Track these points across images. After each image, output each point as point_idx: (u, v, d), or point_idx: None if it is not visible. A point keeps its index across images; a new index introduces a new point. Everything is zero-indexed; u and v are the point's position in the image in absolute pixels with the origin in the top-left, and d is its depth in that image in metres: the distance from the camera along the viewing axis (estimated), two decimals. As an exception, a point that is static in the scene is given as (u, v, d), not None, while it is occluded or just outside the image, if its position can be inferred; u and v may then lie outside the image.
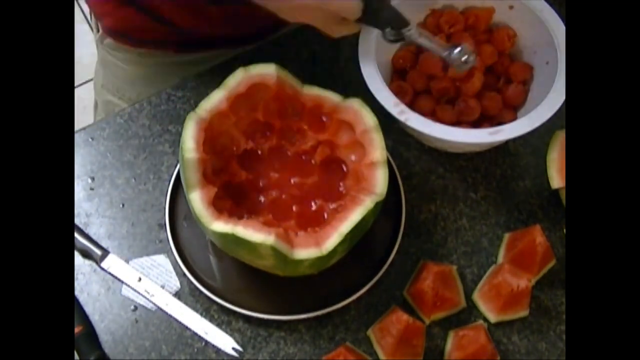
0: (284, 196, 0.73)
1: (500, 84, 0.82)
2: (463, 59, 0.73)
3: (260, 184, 0.74)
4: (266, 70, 0.72)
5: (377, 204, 0.67)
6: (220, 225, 0.65)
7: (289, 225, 0.70)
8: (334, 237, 0.66)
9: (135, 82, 0.99)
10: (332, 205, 0.72)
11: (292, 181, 0.74)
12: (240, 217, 0.68)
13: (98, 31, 0.97)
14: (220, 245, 0.69)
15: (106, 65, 1.02)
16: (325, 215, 0.71)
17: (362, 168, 0.71)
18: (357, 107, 0.72)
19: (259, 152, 0.75)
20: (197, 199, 0.67)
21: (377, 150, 0.70)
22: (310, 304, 0.73)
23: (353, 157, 0.73)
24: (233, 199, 0.71)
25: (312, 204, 0.73)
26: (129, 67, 0.98)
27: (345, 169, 0.74)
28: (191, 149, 0.67)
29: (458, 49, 0.73)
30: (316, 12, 0.67)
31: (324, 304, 0.73)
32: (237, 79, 0.71)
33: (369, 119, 0.71)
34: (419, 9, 0.85)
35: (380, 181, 0.69)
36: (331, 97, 0.73)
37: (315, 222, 0.70)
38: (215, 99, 0.71)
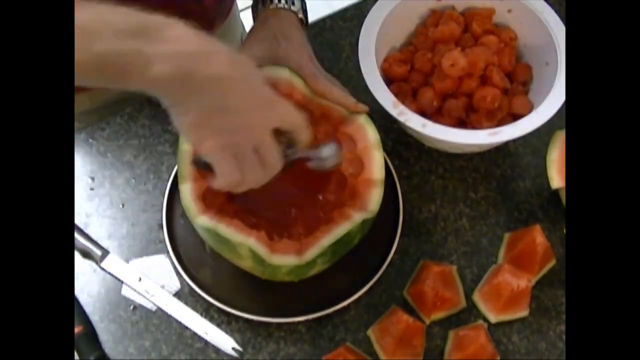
0: (280, 199, 0.73)
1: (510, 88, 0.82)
2: (329, 160, 0.66)
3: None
4: (278, 74, 0.72)
5: (364, 221, 0.67)
6: (204, 220, 0.65)
7: (278, 228, 0.70)
8: (314, 248, 0.65)
9: (87, 112, 0.90)
10: (324, 215, 0.71)
11: (291, 185, 0.74)
12: (228, 215, 0.68)
13: None
14: (205, 239, 0.69)
15: None
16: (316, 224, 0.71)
17: (359, 184, 0.70)
18: (361, 123, 0.71)
19: None
20: (187, 191, 0.67)
21: (376, 168, 0.70)
22: (309, 305, 0.73)
23: (351, 171, 0.73)
24: (227, 195, 0.71)
25: (307, 210, 0.73)
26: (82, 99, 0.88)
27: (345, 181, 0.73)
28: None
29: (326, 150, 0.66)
30: (265, 121, 0.58)
31: (323, 306, 0.73)
32: None
33: (371, 135, 0.71)
34: (419, 9, 0.85)
35: (373, 199, 0.69)
36: (340, 109, 0.73)
37: (305, 229, 0.70)
38: None
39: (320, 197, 0.75)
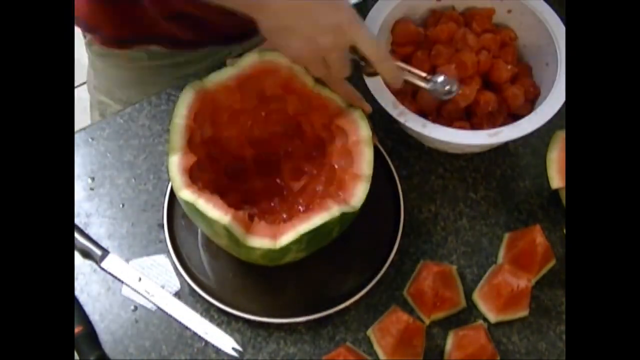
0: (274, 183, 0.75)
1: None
2: (446, 88, 0.73)
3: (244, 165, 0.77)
4: (280, 59, 0.72)
5: (344, 215, 0.67)
6: (186, 194, 0.66)
7: (262, 212, 0.71)
8: (289, 234, 0.65)
9: (125, 85, 0.98)
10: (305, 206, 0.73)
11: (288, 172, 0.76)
12: (212, 191, 0.68)
13: (85, 37, 0.96)
14: (187, 213, 0.70)
15: (96, 69, 1.01)
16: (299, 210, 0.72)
17: (346, 177, 0.71)
18: (355, 117, 0.72)
19: (259, 135, 0.76)
20: (175, 164, 0.67)
21: (364, 163, 0.70)
22: (309, 305, 0.73)
23: (342, 163, 0.73)
24: (216, 172, 0.73)
25: (293, 199, 0.74)
26: (119, 71, 0.97)
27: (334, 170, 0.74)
28: (182, 115, 0.68)
29: (441, 79, 0.73)
30: (332, 43, 0.67)
31: (323, 306, 0.73)
32: (250, 61, 0.72)
33: (364, 131, 0.71)
34: (419, 9, 0.85)
35: (357, 194, 0.69)
36: (337, 101, 0.73)
37: (288, 216, 0.71)
38: (225, 75, 0.71)
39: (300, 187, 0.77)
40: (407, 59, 0.82)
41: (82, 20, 0.92)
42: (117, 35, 0.92)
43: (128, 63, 0.95)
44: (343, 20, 0.66)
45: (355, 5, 0.95)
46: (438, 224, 0.80)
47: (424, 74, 0.73)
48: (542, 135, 0.79)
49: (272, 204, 0.75)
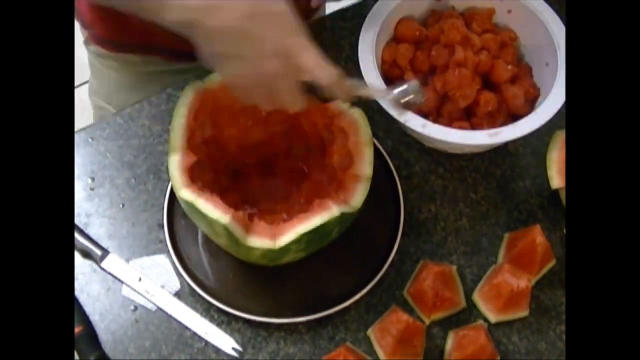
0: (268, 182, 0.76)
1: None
2: (407, 99, 0.67)
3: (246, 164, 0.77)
4: None
5: (344, 215, 0.67)
6: (186, 194, 0.66)
7: (261, 212, 0.71)
8: (289, 234, 0.65)
9: (121, 89, 0.98)
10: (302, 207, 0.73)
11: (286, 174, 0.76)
12: (212, 191, 0.68)
13: (83, 34, 0.96)
14: (187, 213, 0.70)
15: (94, 71, 1.01)
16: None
17: (346, 177, 0.71)
18: (356, 117, 0.72)
19: (259, 135, 0.77)
20: (175, 163, 0.67)
21: (365, 164, 0.70)
22: (309, 305, 0.73)
23: (342, 163, 0.73)
24: (216, 172, 0.73)
25: (293, 199, 0.75)
26: (114, 74, 0.97)
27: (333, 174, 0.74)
28: (182, 115, 0.68)
29: (403, 87, 0.66)
30: (278, 68, 0.60)
31: (323, 306, 0.73)
32: None
33: (364, 131, 0.71)
34: (419, 9, 0.85)
35: (357, 195, 0.69)
36: (337, 102, 0.73)
37: (288, 216, 0.71)
38: None
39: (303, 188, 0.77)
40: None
41: (80, 15, 0.91)
42: (112, 38, 0.91)
43: (123, 67, 0.95)
44: (290, 44, 0.59)
45: (355, 6, 0.95)
46: (438, 224, 0.80)
47: (383, 87, 0.65)
48: (542, 135, 0.79)
49: (272, 204, 0.75)
